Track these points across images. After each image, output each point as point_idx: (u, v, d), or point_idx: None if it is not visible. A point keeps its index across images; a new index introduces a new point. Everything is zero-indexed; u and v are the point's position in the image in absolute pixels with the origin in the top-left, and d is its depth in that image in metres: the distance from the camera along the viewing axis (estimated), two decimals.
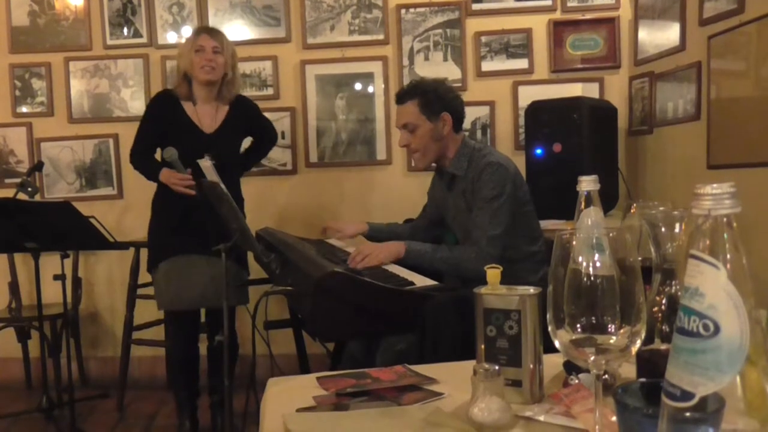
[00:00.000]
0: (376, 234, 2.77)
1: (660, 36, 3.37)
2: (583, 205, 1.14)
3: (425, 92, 2.45)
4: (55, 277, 2.96)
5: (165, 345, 3.33)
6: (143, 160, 2.98)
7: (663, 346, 0.93)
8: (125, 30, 3.87)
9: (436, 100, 2.44)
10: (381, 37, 3.83)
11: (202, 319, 3.07)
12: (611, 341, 0.75)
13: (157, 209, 3.00)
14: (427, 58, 3.84)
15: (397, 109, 2.54)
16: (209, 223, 2.77)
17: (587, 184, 1.14)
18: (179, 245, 2.87)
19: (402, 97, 2.51)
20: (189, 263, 2.87)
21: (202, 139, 2.89)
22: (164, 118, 2.93)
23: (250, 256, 3.05)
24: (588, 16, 3.78)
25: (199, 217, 2.80)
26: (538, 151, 3.37)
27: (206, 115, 2.94)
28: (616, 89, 3.77)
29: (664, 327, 0.94)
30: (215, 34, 2.93)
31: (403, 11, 3.82)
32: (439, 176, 2.64)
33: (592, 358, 0.75)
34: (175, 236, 2.89)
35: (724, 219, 0.56)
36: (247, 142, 3.19)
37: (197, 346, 3.03)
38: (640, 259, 0.79)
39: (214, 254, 2.68)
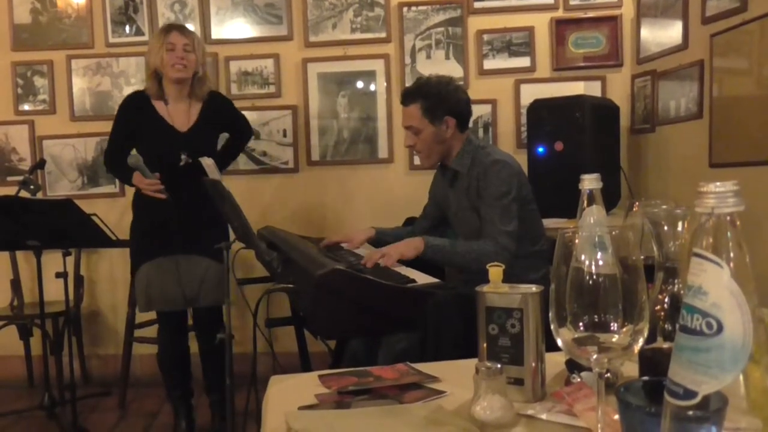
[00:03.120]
0: (383, 239, 2.72)
1: (662, 34, 3.37)
2: (585, 204, 1.14)
3: (428, 95, 2.42)
4: (57, 275, 2.96)
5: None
6: (117, 164, 2.94)
7: (666, 345, 0.93)
8: (127, 28, 3.87)
9: (438, 104, 2.41)
10: (383, 35, 3.83)
11: (191, 318, 3.08)
12: (614, 340, 0.74)
13: (137, 211, 2.98)
14: (429, 57, 3.83)
15: (402, 109, 2.52)
16: (191, 223, 2.78)
17: (589, 182, 1.14)
18: (158, 247, 2.86)
19: (405, 98, 2.49)
20: (167, 265, 2.85)
21: (177, 138, 2.86)
22: (136, 120, 2.89)
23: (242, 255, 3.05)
24: (590, 14, 3.77)
25: (180, 216, 2.79)
26: (540, 149, 3.36)
27: (179, 113, 2.91)
28: (618, 87, 3.76)
29: (666, 325, 0.94)
30: (186, 32, 2.90)
31: (405, 9, 3.82)
32: (442, 173, 2.64)
33: (595, 356, 0.75)
34: (156, 237, 2.87)
35: (728, 217, 0.55)
36: (222, 139, 3.16)
37: (186, 345, 3.03)
38: (642, 257, 0.79)
39: (193, 254, 2.70)
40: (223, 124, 3.07)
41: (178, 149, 2.79)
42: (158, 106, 2.90)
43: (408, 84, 3.40)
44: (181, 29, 2.91)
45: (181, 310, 2.97)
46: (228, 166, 3.21)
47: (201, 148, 2.87)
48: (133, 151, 2.82)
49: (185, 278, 2.84)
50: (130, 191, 3.83)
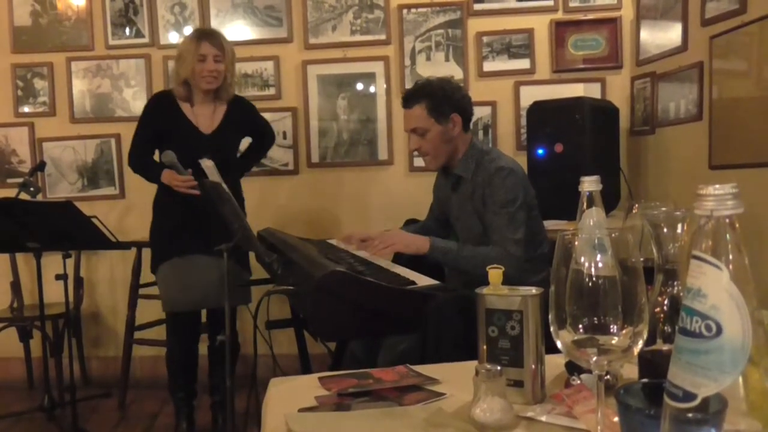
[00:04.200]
0: None
1: (662, 36, 3.37)
2: (585, 206, 1.14)
3: (433, 94, 2.39)
4: (57, 277, 2.96)
5: (166, 345, 3.34)
6: (143, 163, 2.98)
7: (665, 347, 0.93)
8: (127, 30, 3.88)
9: (444, 102, 2.38)
10: (383, 37, 3.83)
11: (203, 319, 3.08)
12: (613, 342, 0.75)
13: (159, 210, 3.00)
14: (428, 59, 3.84)
15: (404, 112, 2.47)
16: (212, 223, 2.78)
17: (589, 184, 1.14)
18: (180, 246, 2.88)
19: (408, 100, 2.43)
20: (190, 264, 2.87)
21: (201, 140, 2.89)
22: (162, 120, 2.93)
23: (252, 256, 3.06)
24: (590, 16, 3.77)
25: (201, 217, 2.81)
26: (540, 151, 3.36)
27: (204, 115, 2.95)
28: (617, 89, 3.76)
29: (666, 327, 0.94)
30: (216, 40, 2.89)
31: (404, 11, 3.82)
32: (444, 176, 2.60)
33: (594, 358, 0.75)
34: (177, 237, 2.89)
35: (727, 220, 0.56)
36: (245, 143, 3.20)
37: (197, 347, 3.03)
38: (642, 259, 0.79)
39: (216, 254, 2.68)
40: (246, 129, 3.11)
41: (202, 151, 2.80)
42: (184, 107, 2.94)
43: (408, 86, 3.39)
44: (212, 37, 2.90)
45: (195, 311, 2.98)
46: (249, 170, 3.27)
47: (223, 150, 2.92)
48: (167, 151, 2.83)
49: (204, 278, 2.85)
50: (130, 193, 3.87)
